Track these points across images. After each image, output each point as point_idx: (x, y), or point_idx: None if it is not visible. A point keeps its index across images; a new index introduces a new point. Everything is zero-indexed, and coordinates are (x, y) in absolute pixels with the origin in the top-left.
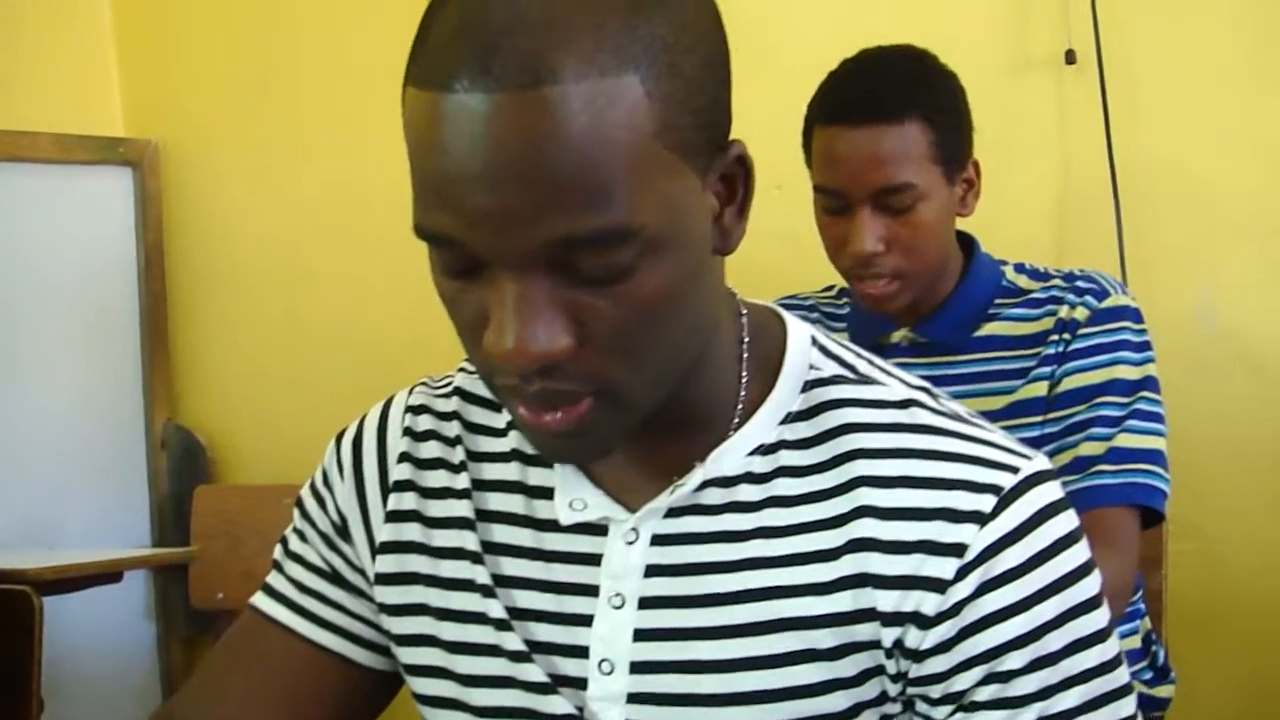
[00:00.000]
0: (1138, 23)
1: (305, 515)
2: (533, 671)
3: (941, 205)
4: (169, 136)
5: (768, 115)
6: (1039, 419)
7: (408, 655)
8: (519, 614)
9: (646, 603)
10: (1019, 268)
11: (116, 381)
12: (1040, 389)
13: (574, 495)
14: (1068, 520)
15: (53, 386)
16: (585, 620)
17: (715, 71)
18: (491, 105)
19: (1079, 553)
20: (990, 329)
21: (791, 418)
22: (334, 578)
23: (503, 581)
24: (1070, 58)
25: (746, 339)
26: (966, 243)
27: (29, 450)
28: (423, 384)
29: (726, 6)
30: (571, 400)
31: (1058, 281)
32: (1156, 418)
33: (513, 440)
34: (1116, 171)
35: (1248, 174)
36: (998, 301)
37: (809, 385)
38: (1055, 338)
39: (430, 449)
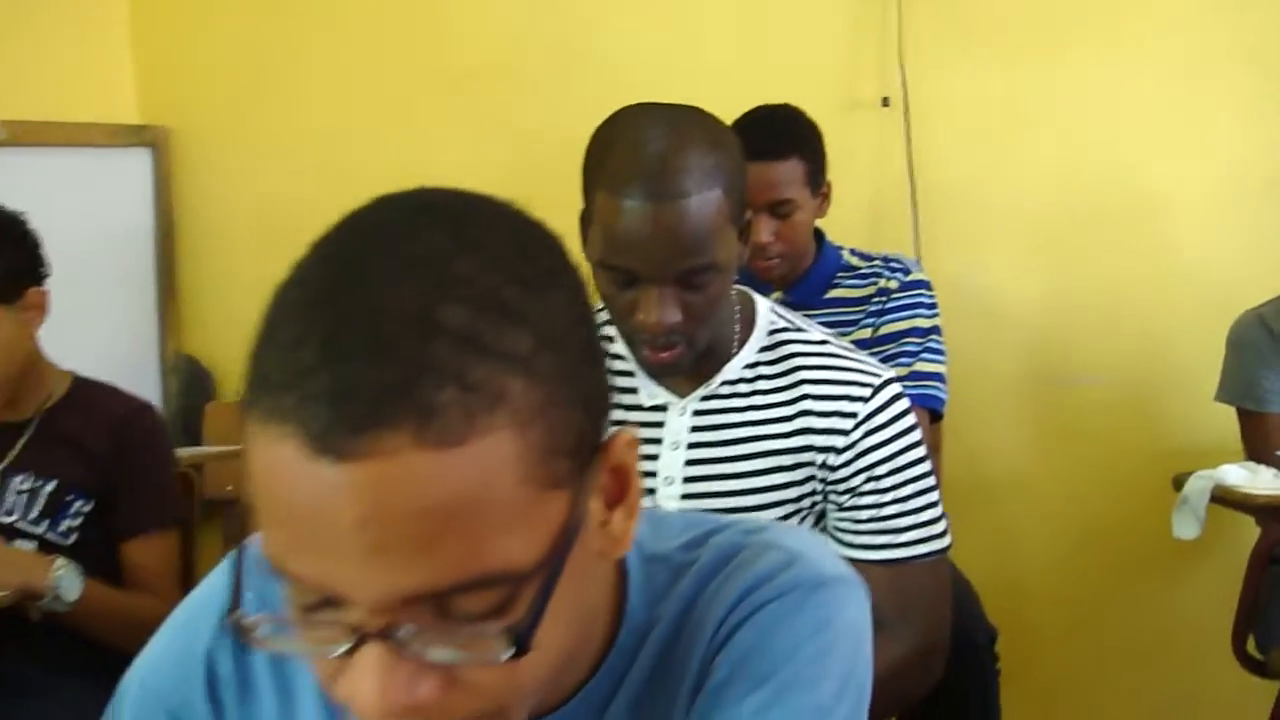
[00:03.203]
0: (934, 77)
1: None
2: None
3: (809, 211)
4: (179, 123)
5: None
6: (865, 354)
7: None
8: None
9: (691, 445)
10: (853, 251)
11: (136, 321)
12: (866, 333)
13: (651, 390)
14: (905, 403)
15: (84, 326)
16: (655, 457)
17: (745, 173)
18: (653, 208)
19: (910, 419)
20: (834, 294)
21: (763, 349)
22: None
23: None
24: (885, 102)
25: (737, 308)
26: (818, 234)
27: None
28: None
29: (650, 63)
30: (673, 346)
31: (878, 262)
32: (941, 352)
33: (629, 365)
34: (915, 185)
35: (1004, 189)
36: (839, 275)
37: (771, 333)
38: (876, 300)
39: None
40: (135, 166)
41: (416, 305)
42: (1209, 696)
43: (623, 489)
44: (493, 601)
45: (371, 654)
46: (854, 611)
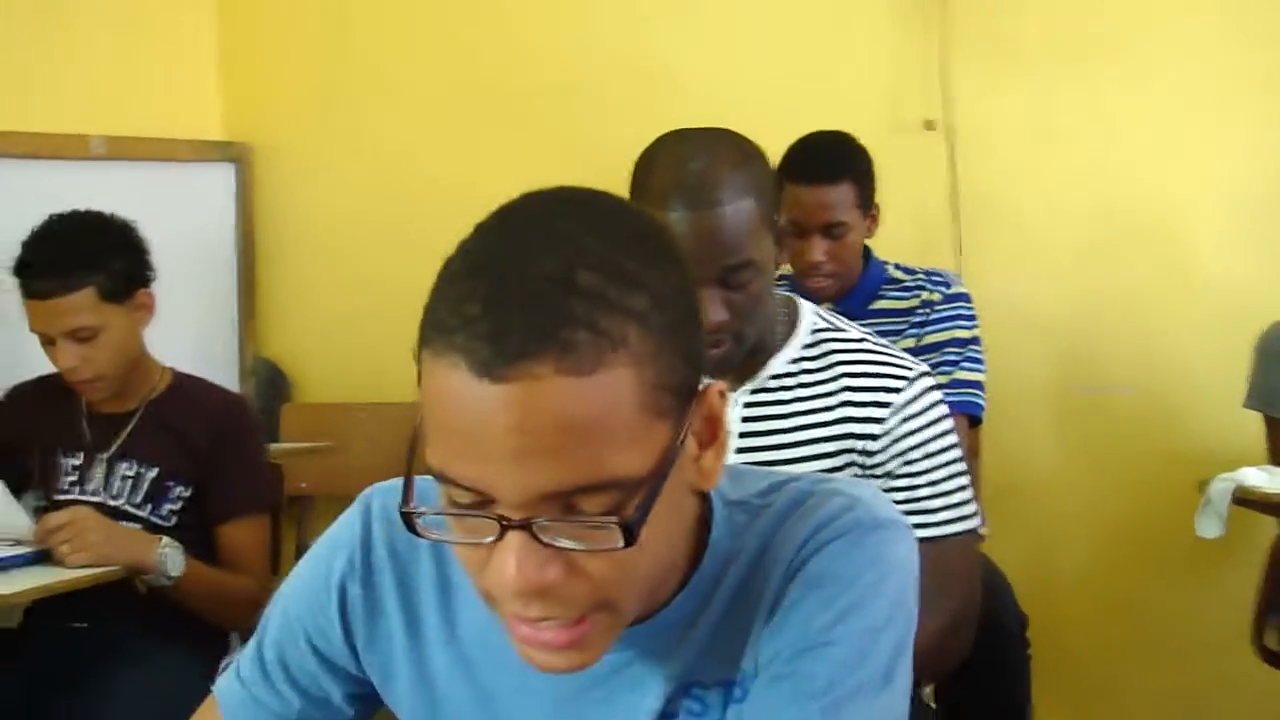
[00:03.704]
0: (975, 101)
1: None
2: None
3: (860, 232)
4: (261, 141)
5: None
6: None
7: None
8: None
9: (742, 435)
10: (897, 266)
11: (218, 325)
12: (910, 343)
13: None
14: (938, 394)
15: (170, 328)
16: None
17: (776, 183)
18: (692, 216)
19: (942, 409)
20: (880, 305)
21: (806, 347)
22: None
23: None
24: (930, 125)
25: (783, 310)
26: (865, 250)
27: None
28: None
29: (704, 87)
30: (721, 344)
31: (920, 276)
32: (980, 361)
33: None
34: (959, 204)
35: (1040, 208)
36: (884, 287)
37: (814, 332)
38: (920, 312)
39: None
40: (219, 180)
41: (558, 271)
42: (1230, 686)
43: (713, 434)
44: (609, 502)
45: (512, 541)
46: (903, 550)
